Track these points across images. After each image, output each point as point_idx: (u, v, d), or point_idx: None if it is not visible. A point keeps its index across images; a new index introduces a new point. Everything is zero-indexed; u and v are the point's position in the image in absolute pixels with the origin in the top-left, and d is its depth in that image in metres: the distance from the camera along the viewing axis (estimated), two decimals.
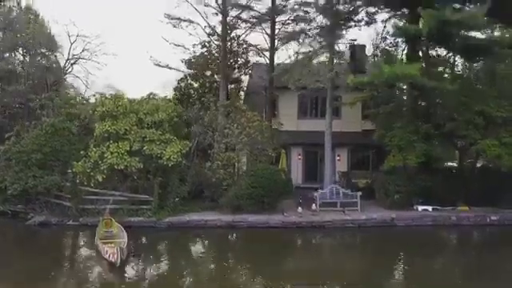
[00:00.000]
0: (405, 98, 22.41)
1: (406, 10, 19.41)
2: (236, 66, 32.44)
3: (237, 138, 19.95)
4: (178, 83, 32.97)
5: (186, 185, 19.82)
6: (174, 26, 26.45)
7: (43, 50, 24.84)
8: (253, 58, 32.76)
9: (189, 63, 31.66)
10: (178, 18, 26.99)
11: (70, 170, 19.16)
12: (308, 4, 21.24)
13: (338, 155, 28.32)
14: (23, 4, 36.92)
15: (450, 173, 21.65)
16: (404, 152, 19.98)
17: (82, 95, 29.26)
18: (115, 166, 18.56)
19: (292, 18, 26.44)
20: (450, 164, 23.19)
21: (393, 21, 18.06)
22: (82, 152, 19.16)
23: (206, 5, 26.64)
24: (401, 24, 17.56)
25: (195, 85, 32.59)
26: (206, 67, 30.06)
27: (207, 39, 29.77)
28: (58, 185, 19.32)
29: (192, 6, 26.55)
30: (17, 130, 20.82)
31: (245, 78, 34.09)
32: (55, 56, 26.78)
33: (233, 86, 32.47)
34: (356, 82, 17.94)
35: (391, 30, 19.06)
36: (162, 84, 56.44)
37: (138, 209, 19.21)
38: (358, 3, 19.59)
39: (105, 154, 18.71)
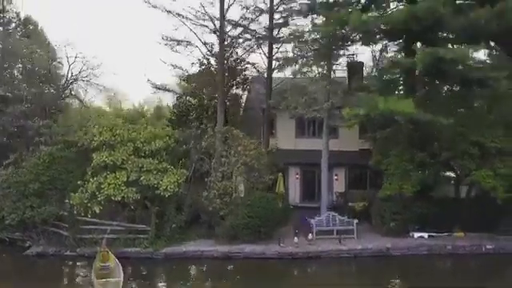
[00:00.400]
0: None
1: (403, 42, 19.51)
2: (234, 82, 32.47)
3: (233, 167, 20.00)
4: (177, 99, 33.06)
5: (182, 214, 19.92)
6: (172, 49, 26.35)
7: (42, 71, 24.67)
8: (251, 72, 32.90)
9: (187, 80, 31.71)
10: (176, 40, 27.04)
11: (67, 200, 19.19)
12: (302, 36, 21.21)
13: (336, 175, 28.46)
14: (22, 15, 37.58)
15: (446, 199, 21.66)
16: (400, 180, 20.03)
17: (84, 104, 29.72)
18: (112, 197, 18.64)
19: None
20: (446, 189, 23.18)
21: (388, 55, 18.02)
22: (79, 182, 19.23)
23: (203, 25, 26.72)
24: (396, 57, 17.54)
25: (193, 101, 32.62)
26: (204, 84, 30.06)
27: (205, 56, 29.71)
28: (56, 215, 19.41)
29: (193, 23, 26.81)
30: (15, 157, 20.80)
31: (243, 91, 34.27)
32: (54, 67, 26.69)
33: (231, 103, 32.45)
34: (352, 114, 18.00)
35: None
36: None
37: (135, 238, 19.36)
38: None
39: (102, 185, 18.82)
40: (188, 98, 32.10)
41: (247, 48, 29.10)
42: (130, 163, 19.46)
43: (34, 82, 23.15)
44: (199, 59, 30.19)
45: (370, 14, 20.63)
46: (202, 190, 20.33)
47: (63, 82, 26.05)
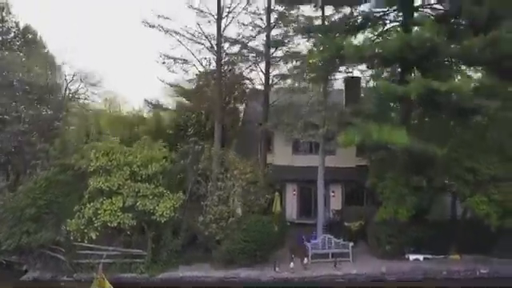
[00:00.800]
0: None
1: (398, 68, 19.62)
2: (232, 96, 32.52)
3: (230, 190, 20.09)
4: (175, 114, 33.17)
5: (178, 238, 20.00)
6: (169, 69, 26.46)
7: (40, 86, 24.67)
8: (250, 85, 32.96)
9: (185, 95, 31.82)
10: (173, 58, 27.14)
11: (64, 227, 19.25)
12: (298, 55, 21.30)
13: (333, 191, 28.62)
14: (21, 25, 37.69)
15: (442, 222, 21.75)
16: (395, 204, 20.11)
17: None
18: (108, 224, 18.72)
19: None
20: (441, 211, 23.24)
21: (381, 82, 18.07)
22: (76, 207, 19.29)
23: (200, 43, 26.80)
24: (389, 85, 17.60)
25: (192, 116, 32.69)
26: (201, 101, 30.11)
27: (202, 74, 29.77)
28: (53, 240, 19.48)
29: (190, 41, 26.90)
30: (11, 181, 20.86)
31: (241, 104, 34.33)
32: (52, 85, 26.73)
33: (229, 117, 32.51)
34: (347, 141, 18.07)
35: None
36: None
37: (131, 262, 19.46)
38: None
39: (98, 211, 18.89)
40: (186, 114, 32.18)
41: (245, 65, 29.23)
42: (126, 188, 19.49)
43: (32, 103, 23.02)
44: (197, 74, 30.38)
45: (365, 38, 20.91)
46: (198, 214, 20.39)
47: (60, 97, 25.90)
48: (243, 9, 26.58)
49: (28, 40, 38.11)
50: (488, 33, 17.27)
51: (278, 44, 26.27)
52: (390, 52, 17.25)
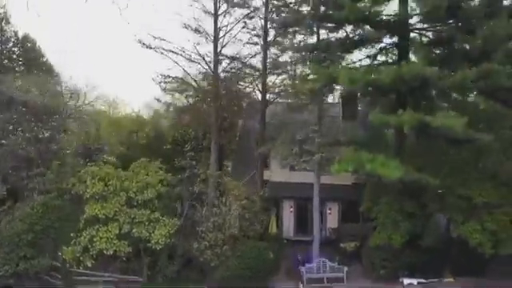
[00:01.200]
0: None
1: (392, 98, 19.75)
2: (230, 112, 32.70)
3: (225, 217, 20.25)
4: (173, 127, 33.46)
5: (174, 264, 20.18)
6: (164, 90, 26.63)
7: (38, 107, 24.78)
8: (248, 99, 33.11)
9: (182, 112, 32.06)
10: (169, 76, 27.32)
11: (60, 253, 19.44)
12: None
13: (330, 208, 28.74)
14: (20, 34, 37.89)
15: (436, 246, 21.86)
16: (389, 230, 20.26)
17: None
18: (104, 252, 18.90)
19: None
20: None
21: (375, 113, 18.19)
22: (72, 234, 19.47)
23: (197, 62, 26.96)
24: (382, 116, 17.71)
25: (189, 131, 32.94)
26: (199, 119, 30.31)
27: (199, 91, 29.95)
28: (50, 266, 19.68)
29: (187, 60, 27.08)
30: (8, 206, 21.07)
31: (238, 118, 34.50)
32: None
33: (226, 132, 32.71)
34: (339, 170, 18.20)
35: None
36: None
37: None
38: None
39: (94, 239, 19.07)
40: (183, 129, 32.44)
41: (242, 81, 29.40)
42: (122, 215, 19.68)
43: (29, 124, 23.19)
44: (191, 93, 30.59)
45: (359, 66, 21.04)
46: (193, 239, 20.57)
47: (58, 117, 25.99)
48: (241, 27, 26.83)
49: (27, 49, 38.50)
50: (481, 63, 17.39)
51: (276, 67, 26.35)
52: (383, 83, 17.32)
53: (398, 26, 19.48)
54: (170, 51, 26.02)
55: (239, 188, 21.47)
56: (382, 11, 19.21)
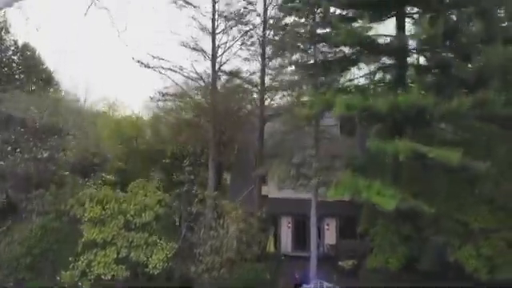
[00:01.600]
0: None
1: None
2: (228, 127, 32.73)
3: (222, 240, 20.35)
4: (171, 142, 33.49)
5: None
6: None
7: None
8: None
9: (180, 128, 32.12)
10: (167, 94, 27.44)
11: (58, 278, 19.56)
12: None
13: (327, 224, 28.82)
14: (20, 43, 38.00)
15: (433, 270, 21.93)
16: (386, 252, 20.37)
17: None
18: (102, 276, 19.02)
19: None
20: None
21: (372, 140, 18.29)
22: (70, 258, 19.58)
23: (196, 79, 27.08)
24: (379, 143, 17.80)
25: (187, 146, 32.97)
26: (197, 136, 30.35)
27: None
28: None
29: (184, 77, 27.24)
30: (7, 227, 21.19)
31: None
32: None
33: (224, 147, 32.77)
34: (337, 195, 18.32)
35: None
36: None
37: None
38: None
39: (92, 263, 19.18)
40: (182, 145, 32.44)
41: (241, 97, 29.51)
42: (120, 238, 19.79)
43: (28, 144, 23.30)
44: (192, 105, 30.62)
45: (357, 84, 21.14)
46: (190, 262, 20.67)
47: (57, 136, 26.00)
48: (240, 44, 26.97)
49: (26, 57, 38.61)
50: (477, 90, 17.50)
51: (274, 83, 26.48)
52: (379, 110, 17.41)
53: (396, 50, 19.53)
54: (169, 69, 26.18)
55: (237, 210, 21.52)
56: (378, 37, 19.24)
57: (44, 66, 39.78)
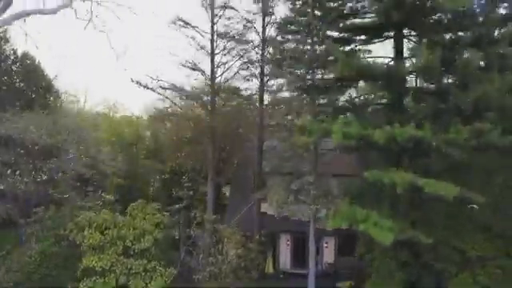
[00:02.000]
0: None
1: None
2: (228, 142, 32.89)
3: (221, 266, 20.46)
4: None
5: None
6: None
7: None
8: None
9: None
10: (167, 110, 27.57)
11: None
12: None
13: (326, 242, 29.00)
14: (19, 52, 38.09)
15: None
16: (384, 278, 20.44)
17: None
18: None
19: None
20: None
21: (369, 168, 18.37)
22: (69, 286, 19.70)
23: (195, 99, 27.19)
24: (376, 173, 17.85)
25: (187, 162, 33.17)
26: (196, 154, 30.52)
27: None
28: None
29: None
30: (7, 251, 21.29)
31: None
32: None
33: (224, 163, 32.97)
34: (335, 225, 18.41)
35: None
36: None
37: None
38: None
39: None
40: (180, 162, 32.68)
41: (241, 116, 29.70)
42: (119, 265, 19.88)
43: (27, 167, 23.39)
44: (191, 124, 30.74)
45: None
46: None
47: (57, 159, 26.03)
48: (240, 64, 27.07)
49: (26, 65, 38.71)
50: (474, 120, 17.56)
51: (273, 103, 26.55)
52: (376, 140, 17.45)
53: (394, 79, 19.55)
54: (168, 89, 26.29)
55: (235, 235, 21.61)
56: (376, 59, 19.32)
57: (44, 73, 40.02)
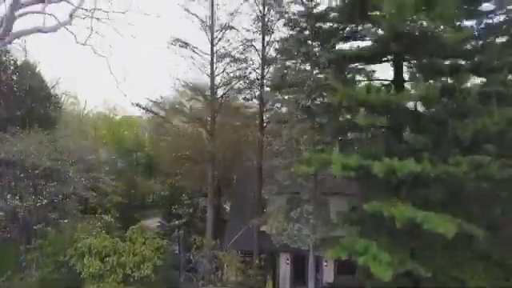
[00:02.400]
0: None
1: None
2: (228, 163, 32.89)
3: None
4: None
5: None
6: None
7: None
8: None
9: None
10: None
11: None
12: None
13: (326, 261, 28.99)
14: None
15: None
16: None
17: None
18: None
19: None
20: None
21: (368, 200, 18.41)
22: None
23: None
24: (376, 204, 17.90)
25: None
26: (196, 173, 30.56)
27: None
28: None
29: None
30: (6, 277, 21.33)
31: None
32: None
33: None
34: (333, 256, 18.47)
35: None
36: None
37: None
38: None
39: None
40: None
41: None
42: None
43: (27, 190, 23.44)
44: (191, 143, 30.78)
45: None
46: None
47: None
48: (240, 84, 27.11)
49: (26, 75, 38.71)
50: (473, 152, 17.61)
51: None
52: (375, 172, 17.49)
53: (393, 109, 19.57)
54: (169, 110, 26.37)
55: (235, 262, 21.64)
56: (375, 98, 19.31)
57: (43, 83, 40.04)
